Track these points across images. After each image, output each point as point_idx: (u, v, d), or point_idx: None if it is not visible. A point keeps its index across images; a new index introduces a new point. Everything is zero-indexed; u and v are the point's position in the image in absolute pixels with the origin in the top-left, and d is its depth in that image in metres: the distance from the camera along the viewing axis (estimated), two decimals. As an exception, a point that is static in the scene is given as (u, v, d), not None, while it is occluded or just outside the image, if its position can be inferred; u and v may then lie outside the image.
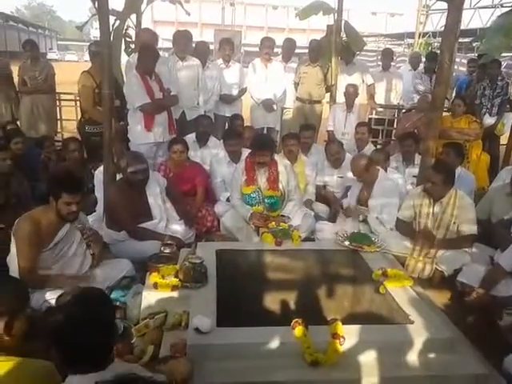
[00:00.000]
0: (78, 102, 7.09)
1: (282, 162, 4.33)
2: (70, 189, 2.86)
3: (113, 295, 3.05)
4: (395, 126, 7.04)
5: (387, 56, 7.16)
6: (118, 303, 2.93)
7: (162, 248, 3.41)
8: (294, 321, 2.40)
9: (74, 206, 2.87)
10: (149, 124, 4.73)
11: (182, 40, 5.57)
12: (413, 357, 2.40)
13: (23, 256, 2.79)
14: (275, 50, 6.32)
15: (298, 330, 2.35)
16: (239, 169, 4.30)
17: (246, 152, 4.61)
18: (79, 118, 5.70)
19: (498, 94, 6.08)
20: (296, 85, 6.35)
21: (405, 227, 3.92)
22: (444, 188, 3.68)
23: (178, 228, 4.05)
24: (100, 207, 4.16)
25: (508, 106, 6.11)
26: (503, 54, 8.21)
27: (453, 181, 3.72)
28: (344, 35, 6.43)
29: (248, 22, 48.45)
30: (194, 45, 6.02)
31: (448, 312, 2.94)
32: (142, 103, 4.65)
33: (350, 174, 4.64)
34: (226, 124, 5.94)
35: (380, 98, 6.91)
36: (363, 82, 6.52)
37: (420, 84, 6.93)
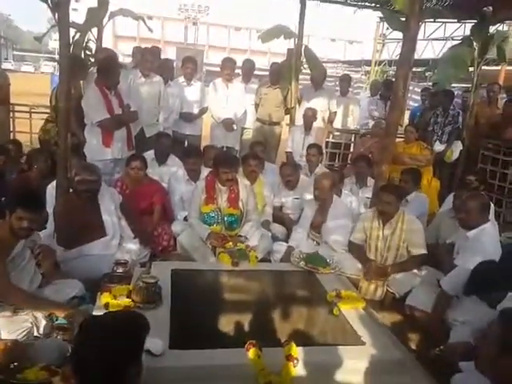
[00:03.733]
0: (32, 114, 6.92)
1: (242, 181, 4.35)
2: (24, 204, 2.76)
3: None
4: (351, 150, 7.22)
5: (345, 82, 7.37)
6: (65, 325, 2.83)
7: (114, 267, 3.32)
8: (248, 343, 2.39)
9: (25, 222, 2.75)
10: (107, 140, 4.64)
11: (150, 57, 5.57)
12: (364, 378, 2.42)
13: None
14: (236, 70, 6.40)
15: (252, 352, 2.34)
16: (199, 187, 4.27)
17: (205, 171, 4.61)
18: (44, 129, 5.49)
19: (449, 122, 6.36)
20: (256, 106, 6.43)
21: (357, 250, 4.01)
22: (396, 207, 3.83)
23: (132, 246, 3.96)
24: (51, 223, 4.02)
25: (457, 134, 6.39)
26: (454, 85, 8.62)
27: (401, 200, 3.94)
28: (304, 59, 6.59)
29: (210, 42, 48.89)
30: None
31: (398, 333, 2.99)
32: (101, 118, 4.56)
33: (306, 196, 4.72)
34: (186, 142, 5.93)
35: (337, 123, 7.08)
36: (329, 108, 6.68)
37: (374, 110, 7.19)
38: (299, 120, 6.29)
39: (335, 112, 6.80)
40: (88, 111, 4.63)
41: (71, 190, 4.01)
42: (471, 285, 2.83)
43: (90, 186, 3.75)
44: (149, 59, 5.56)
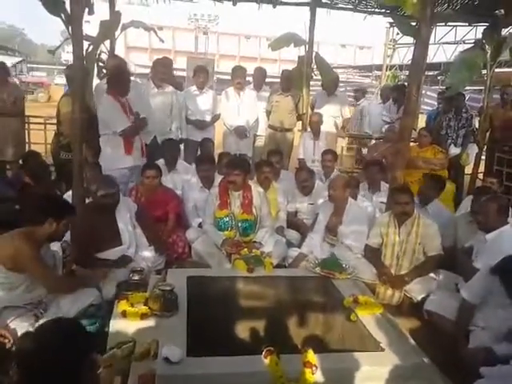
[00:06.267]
0: (47, 126, 7.02)
1: (255, 188, 4.35)
2: (73, 211, 3.17)
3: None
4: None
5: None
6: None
7: (130, 275, 3.34)
8: (265, 349, 2.37)
9: (69, 226, 3.13)
10: (129, 148, 4.71)
11: (161, 68, 5.62)
12: (384, 384, 2.40)
13: (41, 273, 2.86)
14: (247, 78, 6.44)
15: (270, 359, 2.32)
16: (213, 193, 4.30)
17: (218, 178, 4.62)
18: (54, 142, 5.56)
19: (463, 125, 6.31)
20: (268, 113, 6.45)
21: (373, 255, 3.99)
22: (413, 206, 3.85)
23: (147, 254, 3.98)
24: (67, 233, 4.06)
25: (472, 137, 6.34)
26: (466, 88, 8.56)
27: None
28: (315, 66, 6.60)
29: (221, 51, 49.16)
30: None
31: (417, 339, 2.95)
32: (124, 127, 4.61)
33: (320, 201, 4.70)
34: (199, 149, 5.96)
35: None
36: (341, 114, 6.67)
37: (385, 116, 7.16)
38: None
39: (348, 118, 6.78)
40: (109, 121, 4.64)
41: (87, 200, 4.06)
42: (503, 268, 2.75)
43: (113, 199, 3.82)
44: (160, 70, 5.63)
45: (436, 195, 4.64)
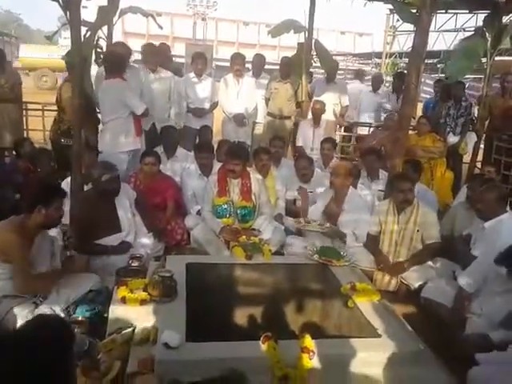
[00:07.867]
0: (45, 112, 6.98)
1: (254, 175, 4.36)
2: (61, 194, 3.04)
3: (78, 309, 2.98)
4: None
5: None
6: (79, 317, 2.90)
7: (129, 261, 3.35)
8: (263, 335, 2.40)
9: (62, 209, 3.01)
10: (139, 130, 4.75)
11: (149, 53, 5.59)
12: (381, 370, 2.42)
13: (16, 268, 2.78)
14: (246, 65, 6.39)
15: (268, 345, 2.35)
16: (211, 180, 4.31)
17: (217, 165, 4.63)
18: (54, 128, 5.54)
19: (462, 114, 6.30)
20: (267, 100, 6.42)
21: (371, 243, 4.01)
22: (414, 193, 3.86)
23: (146, 241, 4.00)
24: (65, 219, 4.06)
25: (471, 125, 6.33)
26: (466, 76, 8.52)
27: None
28: (314, 53, 6.56)
29: (219, 37, 48.74)
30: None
31: (414, 325, 2.98)
32: (144, 107, 4.63)
33: (319, 189, 4.72)
34: (197, 137, 5.95)
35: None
36: (340, 102, 6.65)
37: (386, 103, 7.14)
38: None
39: (347, 106, 6.76)
40: (129, 103, 4.60)
41: (86, 187, 4.06)
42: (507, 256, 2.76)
43: (117, 183, 3.84)
44: (149, 54, 5.58)
45: (417, 178, 4.67)
